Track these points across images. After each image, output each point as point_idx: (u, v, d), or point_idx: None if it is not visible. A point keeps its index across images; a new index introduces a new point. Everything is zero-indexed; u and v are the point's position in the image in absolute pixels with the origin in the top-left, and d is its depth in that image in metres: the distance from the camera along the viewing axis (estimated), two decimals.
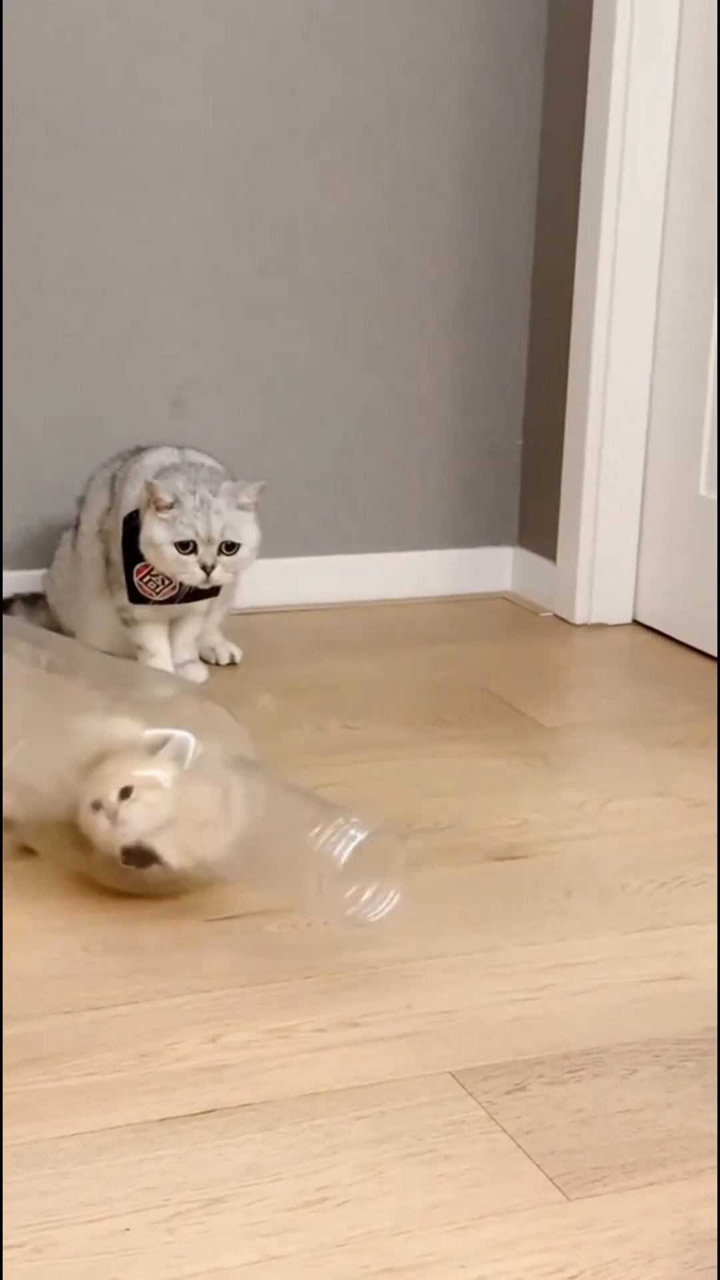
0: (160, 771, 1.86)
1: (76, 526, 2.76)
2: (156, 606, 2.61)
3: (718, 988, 1.81)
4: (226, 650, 2.80)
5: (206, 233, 2.93)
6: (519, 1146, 1.54)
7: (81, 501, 2.75)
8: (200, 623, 2.72)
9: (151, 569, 2.54)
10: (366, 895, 1.78)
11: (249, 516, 2.55)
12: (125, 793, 1.84)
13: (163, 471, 2.56)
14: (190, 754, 1.87)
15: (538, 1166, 1.51)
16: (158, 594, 2.57)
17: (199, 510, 2.50)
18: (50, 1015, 1.72)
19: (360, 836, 1.73)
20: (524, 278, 3.14)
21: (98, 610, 2.71)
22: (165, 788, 1.85)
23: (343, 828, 1.73)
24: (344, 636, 2.99)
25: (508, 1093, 1.63)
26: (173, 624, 2.69)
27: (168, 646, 2.67)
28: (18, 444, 2.88)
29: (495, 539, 3.24)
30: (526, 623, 3.14)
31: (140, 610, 2.62)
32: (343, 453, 3.10)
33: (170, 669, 2.65)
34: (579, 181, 2.96)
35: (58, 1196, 1.45)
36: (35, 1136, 1.53)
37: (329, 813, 1.76)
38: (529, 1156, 1.53)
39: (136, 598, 2.58)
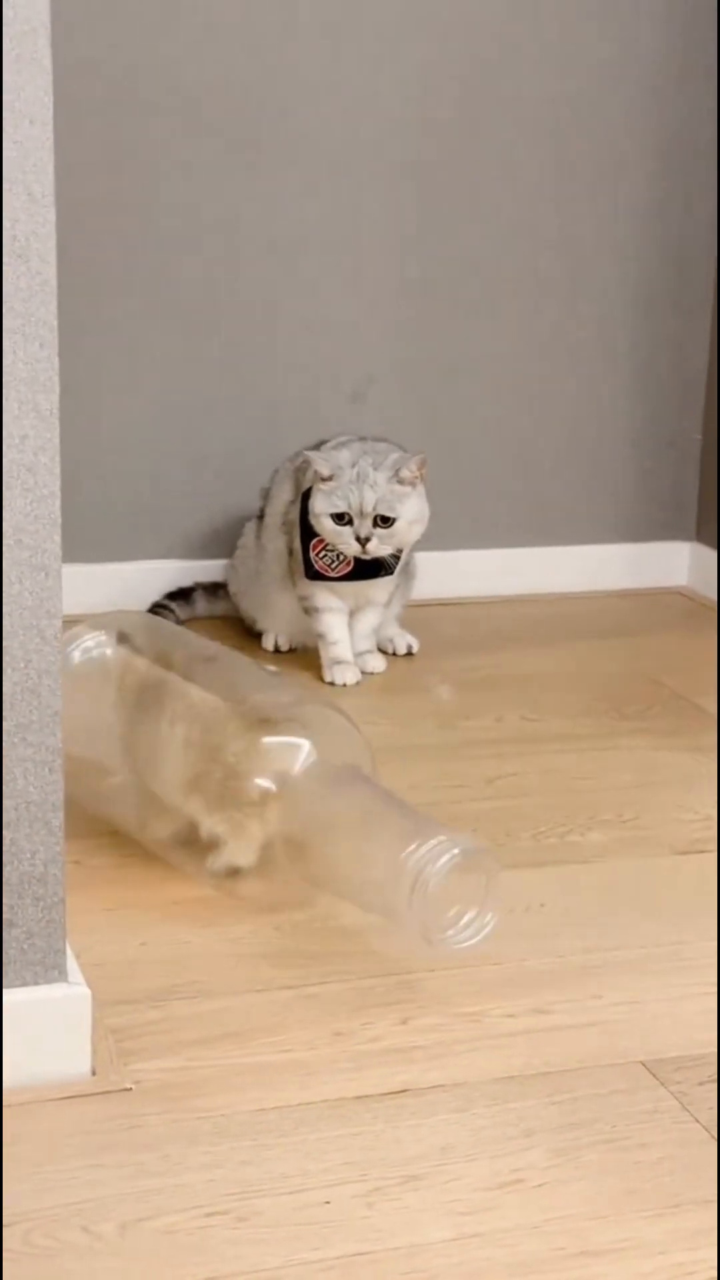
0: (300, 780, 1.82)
1: (260, 517, 2.80)
2: (338, 595, 2.64)
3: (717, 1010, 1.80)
4: (404, 641, 2.82)
5: (389, 227, 2.96)
6: (713, 1137, 1.55)
7: (266, 493, 2.79)
8: (380, 614, 2.74)
9: (325, 544, 2.57)
10: (465, 919, 1.74)
11: (408, 491, 2.57)
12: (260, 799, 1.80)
13: (333, 445, 2.60)
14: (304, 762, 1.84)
15: None
16: (333, 570, 2.60)
17: (354, 483, 2.54)
18: (245, 992, 1.75)
19: (455, 853, 1.69)
20: (708, 271, 3.12)
21: (280, 601, 2.75)
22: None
23: (441, 845, 1.68)
24: (520, 629, 3.00)
25: (700, 1084, 1.63)
26: (352, 614, 2.72)
27: (348, 636, 2.70)
28: (202, 435, 2.92)
29: (672, 533, 3.23)
30: (702, 617, 3.13)
31: (321, 598, 2.65)
32: (521, 446, 3.11)
33: (350, 659, 2.68)
34: None
35: (259, 1168, 1.48)
36: (234, 1109, 1.56)
37: (428, 829, 1.71)
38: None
39: (313, 574, 2.62)
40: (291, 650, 2.79)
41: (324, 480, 2.55)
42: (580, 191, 3.04)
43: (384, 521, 2.55)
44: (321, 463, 2.55)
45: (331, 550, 2.59)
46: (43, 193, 1.42)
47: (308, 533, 2.59)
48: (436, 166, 2.95)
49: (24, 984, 1.58)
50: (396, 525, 2.56)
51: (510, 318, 3.05)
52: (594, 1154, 1.52)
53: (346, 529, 2.55)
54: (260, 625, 2.81)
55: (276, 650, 2.79)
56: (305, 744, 1.86)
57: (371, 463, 2.55)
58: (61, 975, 1.59)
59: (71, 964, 1.61)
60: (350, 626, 2.72)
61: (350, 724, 1.94)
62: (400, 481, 2.55)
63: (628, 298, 3.10)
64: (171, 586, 2.92)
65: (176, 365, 2.89)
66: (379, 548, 2.56)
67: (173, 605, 2.87)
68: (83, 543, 2.90)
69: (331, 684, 2.66)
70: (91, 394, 2.82)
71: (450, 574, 3.05)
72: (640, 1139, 1.55)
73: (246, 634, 2.84)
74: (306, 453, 2.57)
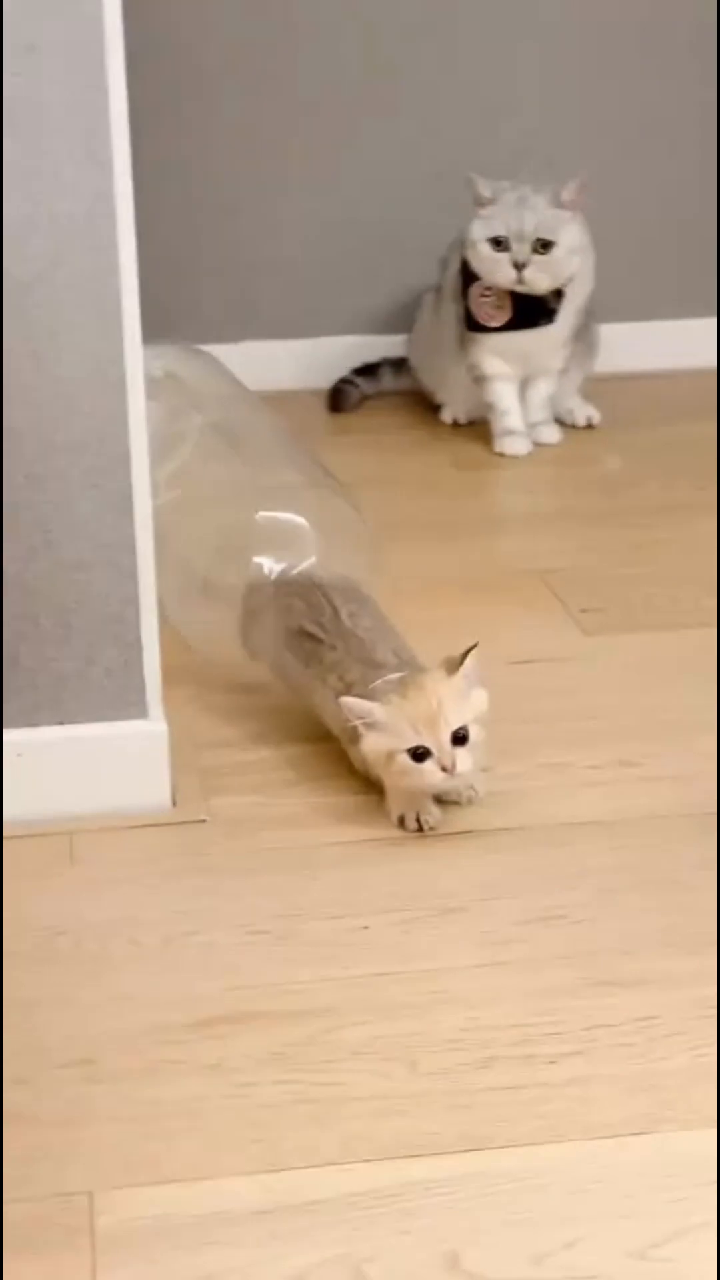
0: (479, 693, 1.65)
1: (439, 290, 2.78)
2: (505, 360, 2.62)
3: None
4: (584, 413, 2.79)
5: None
6: None
7: (443, 263, 2.77)
8: (553, 382, 2.71)
9: (486, 289, 2.56)
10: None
11: (569, 216, 2.52)
12: (460, 739, 1.60)
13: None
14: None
15: None
16: (493, 320, 2.58)
17: (514, 206, 2.51)
18: (331, 741, 1.77)
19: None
20: None
21: (455, 372, 2.74)
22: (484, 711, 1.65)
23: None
24: (709, 402, 2.93)
25: None
26: (525, 384, 2.70)
27: (518, 405, 2.68)
28: (380, 207, 2.90)
29: None
30: None
31: (489, 363, 2.63)
32: (700, 218, 3.00)
33: (520, 429, 2.67)
34: None
35: (308, 895, 1.55)
36: (297, 844, 1.62)
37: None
38: None
39: (474, 325, 2.60)
40: (471, 423, 2.78)
41: (484, 205, 2.53)
42: None
43: (543, 247, 2.52)
44: (482, 184, 2.52)
45: (491, 296, 2.56)
46: None
47: (468, 277, 2.58)
48: None
49: (105, 719, 1.65)
50: (555, 252, 2.52)
51: (688, 89, 2.92)
52: (639, 895, 1.54)
53: (504, 255, 2.52)
54: (438, 398, 2.81)
55: (455, 424, 2.79)
56: (303, 521, 1.86)
57: (531, 188, 2.52)
58: (141, 712, 1.66)
59: (154, 703, 1.68)
60: (524, 397, 2.70)
61: (357, 515, 1.94)
62: (560, 206, 2.51)
63: None
64: (359, 362, 2.93)
65: (358, 142, 2.88)
66: (536, 276, 2.52)
67: (358, 380, 2.88)
68: (270, 320, 2.94)
69: (501, 454, 2.66)
70: (275, 176, 2.83)
71: (641, 346, 2.99)
72: (690, 883, 1.56)
73: (431, 409, 2.84)
74: (469, 174, 2.55)
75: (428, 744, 1.58)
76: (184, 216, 2.87)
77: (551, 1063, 1.33)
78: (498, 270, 2.54)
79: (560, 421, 2.77)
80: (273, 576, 1.83)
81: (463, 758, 1.58)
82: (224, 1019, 1.38)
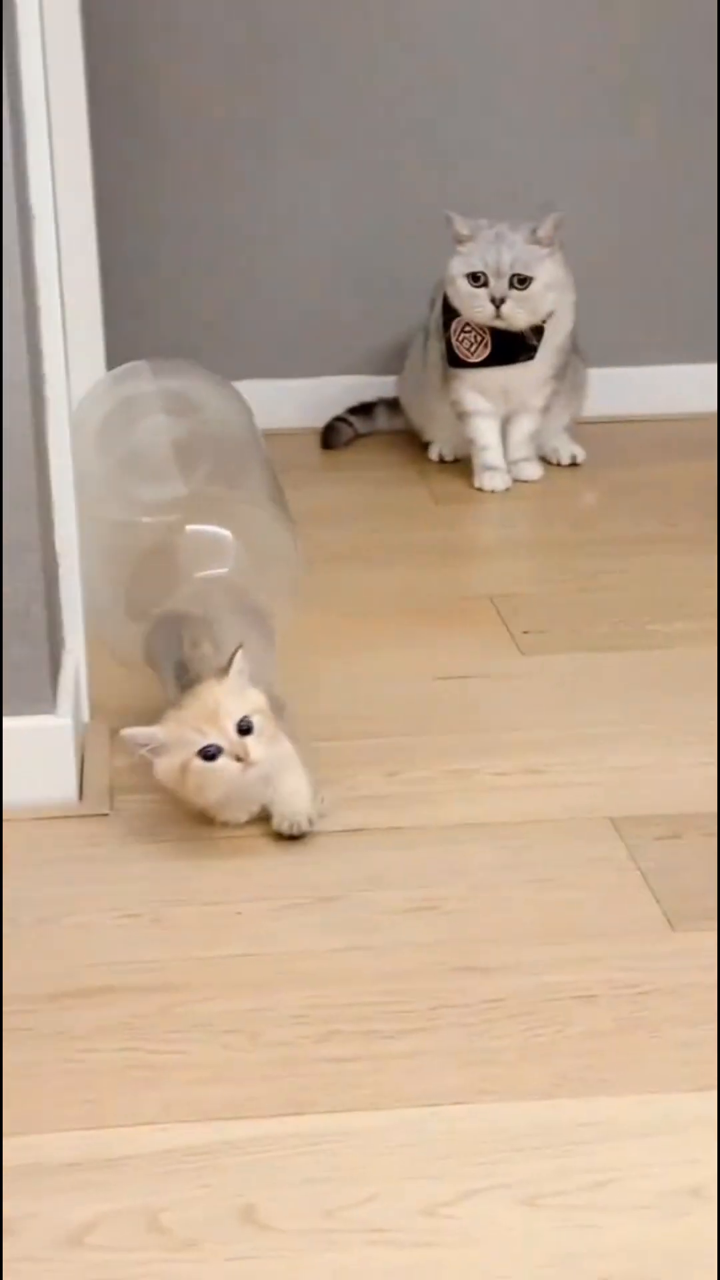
0: (254, 691, 1.63)
1: (427, 329, 2.83)
2: (486, 396, 2.66)
3: None
4: (569, 451, 2.82)
5: (569, 34, 2.91)
6: (647, 883, 1.56)
7: (431, 303, 2.82)
8: (535, 420, 2.74)
9: (465, 325, 2.60)
10: None
11: (545, 252, 2.56)
12: (245, 730, 1.59)
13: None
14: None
15: (656, 900, 1.53)
16: (473, 355, 2.62)
17: (492, 243, 2.55)
18: None
19: None
20: None
21: (441, 409, 2.78)
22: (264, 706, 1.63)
23: None
24: (703, 445, 2.93)
25: (658, 839, 1.64)
26: (507, 421, 2.73)
27: (499, 441, 2.71)
28: (379, 250, 2.96)
29: None
30: None
31: (470, 400, 2.67)
32: (699, 264, 3.02)
33: (501, 465, 2.70)
34: None
35: (190, 883, 1.58)
36: (193, 837, 1.65)
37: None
38: (652, 892, 1.54)
39: (455, 360, 2.64)
40: (456, 460, 2.82)
41: (462, 242, 2.57)
42: None
43: (520, 283, 2.56)
44: (460, 222, 2.57)
45: (470, 332, 2.60)
46: None
47: (450, 314, 2.62)
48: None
49: (12, 713, 1.69)
50: (532, 287, 2.56)
51: (689, 135, 2.96)
52: (516, 890, 1.56)
53: (481, 291, 2.56)
54: (426, 435, 2.85)
55: (441, 460, 2.82)
56: (227, 534, 1.88)
57: (509, 225, 2.56)
58: (49, 708, 1.70)
59: (65, 699, 1.72)
60: (505, 434, 2.73)
61: (287, 534, 1.97)
62: (538, 242, 2.55)
63: None
64: (356, 401, 2.97)
65: (358, 186, 2.94)
66: (514, 311, 2.56)
67: (352, 419, 2.93)
68: (268, 358, 2.99)
69: (480, 489, 2.69)
70: (277, 219, 2.90)
71: (636, 391, 3.01)
72: (571, 881, 1.57)
73: (420, 446, 2.88)
74: (448, 212, 2.59)
75: (214, 740, 1.57)
76: (188, 261, 2.95)
77: (389, 1038, 1.34)
78: (476, 305, 2.58)
79: (545, 459, 2.80)
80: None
81: (253, 745, 1.57)
82: (79, 992, 1.41)
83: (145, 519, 1.90)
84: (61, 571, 1.79)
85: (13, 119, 1.58)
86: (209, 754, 1.57)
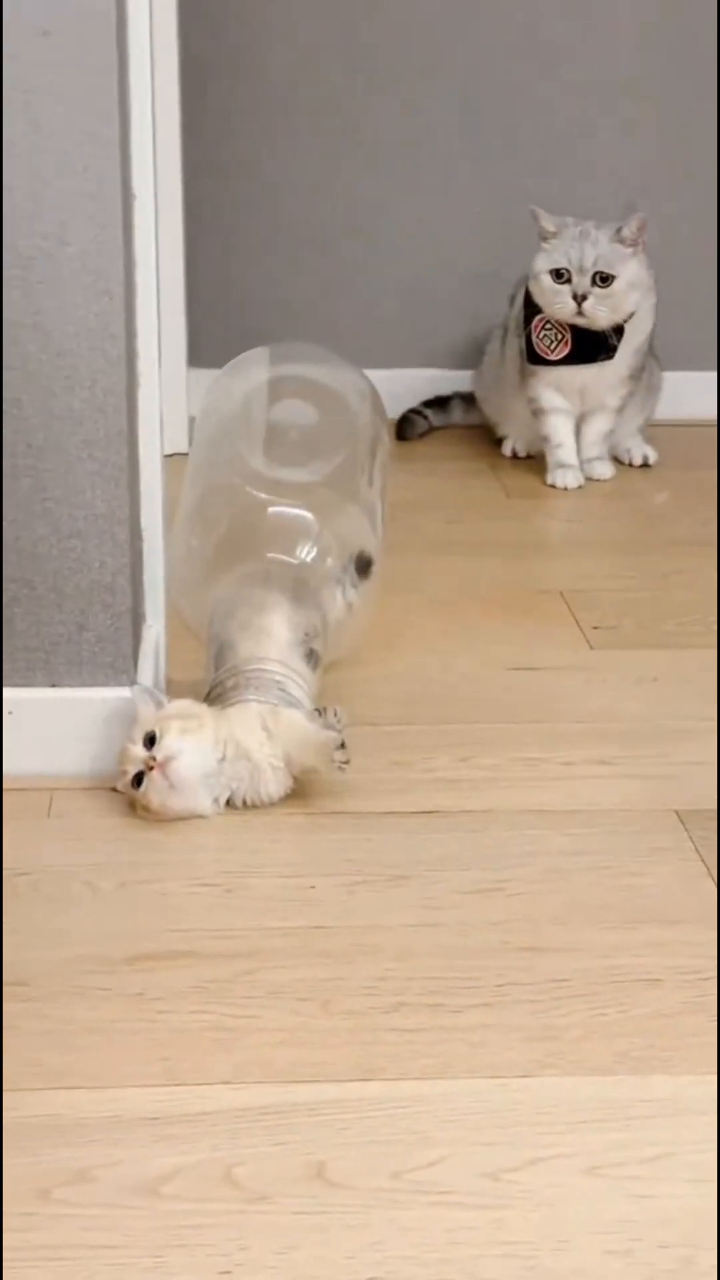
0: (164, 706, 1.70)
1: (506, 325, 2.85)
2: (563, 394, 2.69)
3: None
4: (641, 452, 2.84)
5: (654, 44, 2.93)
6: (710, 874, 1.58)
7: (511, 299, 2.84)
8: (610, 419, 2.77)
9: (546, 322, 2.63)
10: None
11: (629, 252, 2.59)
12: (149, 740, 1.65)
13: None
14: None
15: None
16: (553, 352, 2.65)
17: (576, 240, 2.58)
18: None
19: None
20: None
21: (516, 406, 2.81)
22: (191, 712, 1.69)
23: None
24: None
25: None
26: (582, 420, 2.76)
27: (573, 440, 2.74)
28: (460, 245, 2.99)
29: None
30: None
31: (547, 397, 2.70)
32: None
33: (573, 463, 2.73)
34: None
35: (264, 855, 1.62)
36: (262, 811, 1.68)
37: None
38: (716, 883, 1.57)
39: (534, 357, 2.67)
40: (529, 456, 2.84)
41: (547, 238, 2.60)
42: None
43: (602, 280, 2.58)
44: (545, 217, 2.60)
45: (551, 329, 2.63)
46: None
47: (531, 310, 2.65)
48: None
49: (93, 684, 1.73)
50: (615, 286, 2.58)
51: None
52: (586, 876, 1.59)
53: (564, 287, 2.59)
54: (501, 430, 2.88)
55: (515, 456, 2.85)
56: (309, 516, 1.93)
57: (594, 223, 2.59)
58: (129, 680, 1.74)
59: (144, 671, 1.76)
60: (580, 432, 2.76)
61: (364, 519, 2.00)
62: (622, 241, 2.58)
63: None
64: (432, 394, 3.00)
65: (440, 181, 2.97)
66: (595, 309, 2.59)
67: (427, 412, 2.96)
68: (347, 349, 3.01)
69: (553, 486, 2.71)
70: (360, 215, 2.94)
71: (708, 393, 3.03)
72: (638, 870, 1.60)
73: (494, 441, 2.90)
74: (533, 207, 2.62)
75: (130, 768, 1.65)
76: (270, 249, 2.99)
77: (456, 1012, 1.38)
78: (558, 301, 2.61)
79: (617, 460, 2.82)
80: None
81: (161, 746, 1.63)
82: (156, 955, 1.45)
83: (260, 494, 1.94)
84: (145, 547, 1.83)
85: (120, 100, 1.62)
86: (138, 781, 1.65)
